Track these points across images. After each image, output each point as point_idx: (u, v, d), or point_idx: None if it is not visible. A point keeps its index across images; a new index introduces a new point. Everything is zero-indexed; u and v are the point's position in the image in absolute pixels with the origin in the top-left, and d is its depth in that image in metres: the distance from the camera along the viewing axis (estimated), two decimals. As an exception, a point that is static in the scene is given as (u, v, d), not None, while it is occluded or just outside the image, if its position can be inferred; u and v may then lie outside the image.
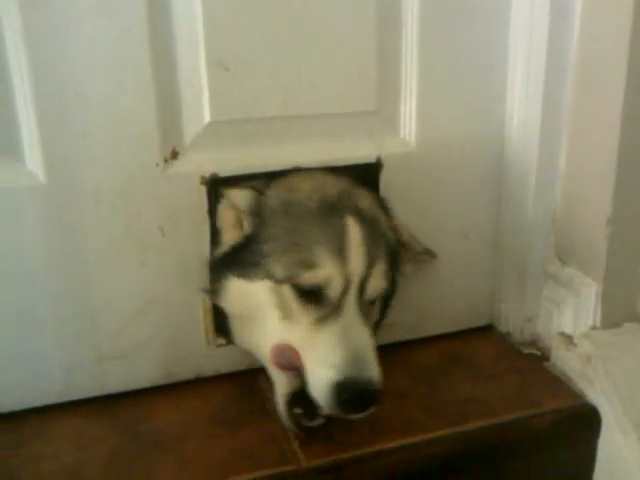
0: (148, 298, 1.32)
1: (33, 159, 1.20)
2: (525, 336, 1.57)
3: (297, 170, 1.33)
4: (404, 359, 1.48)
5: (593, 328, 1.42)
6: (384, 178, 1.43)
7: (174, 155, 1.28)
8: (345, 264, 1.18)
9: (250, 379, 1.39)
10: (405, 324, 1.54)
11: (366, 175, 1.41)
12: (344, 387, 1.10)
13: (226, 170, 1.31)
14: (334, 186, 1.28)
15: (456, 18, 1.40)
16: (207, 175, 1.29)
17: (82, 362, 1.31)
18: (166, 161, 1.27)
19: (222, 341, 1.39)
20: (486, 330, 1.64)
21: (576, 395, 1.37)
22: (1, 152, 1.19)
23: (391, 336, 1.48)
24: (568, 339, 1.45)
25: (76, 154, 1.21)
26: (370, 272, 1.21)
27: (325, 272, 1.17)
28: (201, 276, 1.34)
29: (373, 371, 1.13)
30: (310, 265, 1.17)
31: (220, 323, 1.37)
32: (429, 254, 1.46)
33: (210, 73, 1.25)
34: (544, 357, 1.51)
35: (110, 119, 1.21)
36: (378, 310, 1.32)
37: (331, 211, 1.22)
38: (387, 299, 1.36)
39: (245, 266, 1.23)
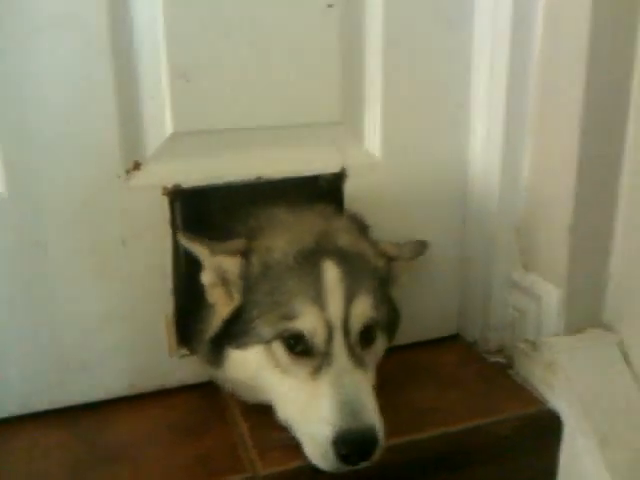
0: (110, 310, 1.33)
1: (-6, 171, 1.20)
2: (491, 345, 1.58)
3: (269, 208, 1.34)
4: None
5: (556, 334, 1.43)
6: (348, 189, 1.44)
7: (136, 166, 1.29)
8: (324, 309, 1.15)
9: (213, 389, 1.38)
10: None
11: (330, 185, 1.43)
12: (340, 441, 1.06)
13: (189, 181, 1.32)
14: (311, 229, 1.26)
15: (420, 29, 1.42)
16: (169, 186, 1.30)
17: (43, 373, 1.31)
18: (128, 172, 1.28)
19: (185, 352, 1.39)
20: (453, 339, 1.65)
21: (538, 401, 1.38)
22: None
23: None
24: (531, 346, 1.46)
25: (38, 165, 1.22)
26: (350, 310, 1.17)
27: (304, 320, 1.15)
28: (164, 289, 1.34)
29: (368, 418, 1.09)
30: (290, 317, 1.15)
31: (183, 334, 1.38)
32: (419, 252, 1.38)
33: (172, 84, 1.27)
34: (509, 365, 1.52)
35: (71, 130, 1.22)
36: (384, 340, 1.27)
37: (309, 259, 1.20)
38: (392, 324, 1.32)
39: (238, 337, 1.21)
